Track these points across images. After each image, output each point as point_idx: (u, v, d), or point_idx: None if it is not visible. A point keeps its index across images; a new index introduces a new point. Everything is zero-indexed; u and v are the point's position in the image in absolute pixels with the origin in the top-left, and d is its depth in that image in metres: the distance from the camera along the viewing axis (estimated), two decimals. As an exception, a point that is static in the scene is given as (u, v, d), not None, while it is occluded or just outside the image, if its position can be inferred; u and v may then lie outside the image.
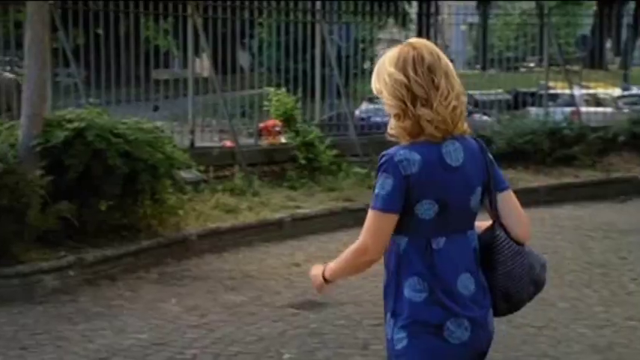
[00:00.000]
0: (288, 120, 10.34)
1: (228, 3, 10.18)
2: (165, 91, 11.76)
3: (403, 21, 16.87)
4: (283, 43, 12.01)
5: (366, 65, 14.04)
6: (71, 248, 7.27)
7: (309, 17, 11.14)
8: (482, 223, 2.62)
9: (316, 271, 2.68)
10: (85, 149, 7.31)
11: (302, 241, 8.87)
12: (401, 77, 2.45)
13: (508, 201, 2.60)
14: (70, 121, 7.39)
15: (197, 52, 10.63)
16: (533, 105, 14.43)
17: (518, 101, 14.74)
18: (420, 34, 14.85)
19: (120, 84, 9.92)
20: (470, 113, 12.82)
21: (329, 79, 12.02)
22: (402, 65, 2.47)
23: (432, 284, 2.47)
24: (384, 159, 2.47)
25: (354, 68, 12.44)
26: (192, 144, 10.02)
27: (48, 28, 7.26)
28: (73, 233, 7.43)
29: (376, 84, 2.55)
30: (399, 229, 2.49)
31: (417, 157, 2.45)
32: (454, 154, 2.50)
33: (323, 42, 11.21)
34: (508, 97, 15.00)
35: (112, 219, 7.80)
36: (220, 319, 6.20)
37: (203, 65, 13.07)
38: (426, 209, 2.47)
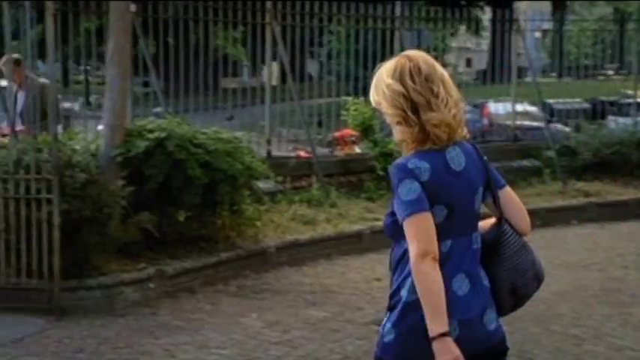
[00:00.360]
0: (365, 130, 10.18)
1: (307, 10, 10.06)
2: (234, 100, 11.73)
3: (476, 27, 16.54)
4: (354, 51, 11.86)
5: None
6: (150, 260, 7.25)
7: (387, 24, 10.95)
8: (486, 222, 2.72)
9: (447, 352, 2.48)
10: (166, 159, 7.28)
11: (382, 255, 8.65)
12: (399, 87, 2.56)
13: (509, 197, 2.74)
14: (150, 131, 7.37)
15: (264, 60, 10.56)
16: (614, 114, 13.98)
17: (597, 110, 14.29)
18: (494, 41, 14.58)
19: (189, 93, 9.90)
20: (548, 122, 12.47)
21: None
22: (399, 76, 2.58)
23: None
24: (397, 168, 2.56)
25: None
26: (269, 154, 9.93)
27: (130, 38, 7.25)
28: (152, 244, 7.41)
29: (375, 96, 2.65)
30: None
31: (426, 165, 2.56)
32: (456, 159, 2.63)
33: (402, 49, 11.03)
34: (587, 105, 14.57)
35: (190, 230, 7.76)
36: (303, 335, 6.07)
37: (272, 73, 13.01)
38: (437, 214, 2.56)
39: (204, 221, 7.79)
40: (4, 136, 8.15)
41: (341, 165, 10.26)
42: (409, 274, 2.54)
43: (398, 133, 2.62)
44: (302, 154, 10.49)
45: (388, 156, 9.57)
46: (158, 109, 9.71)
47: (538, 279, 2.76)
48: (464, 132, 2.67)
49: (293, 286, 7.52)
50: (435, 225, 2.53)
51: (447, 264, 2.57)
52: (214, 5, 9.39)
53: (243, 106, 11.17)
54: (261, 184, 8.39)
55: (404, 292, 2.58)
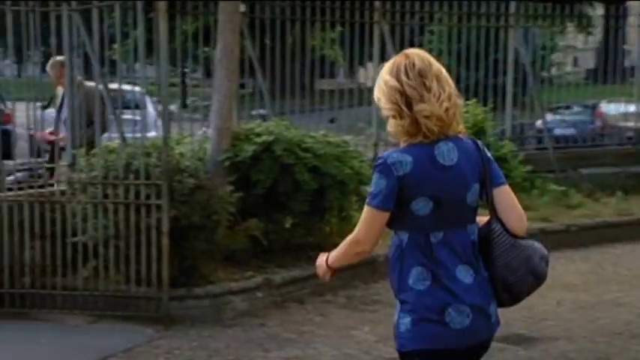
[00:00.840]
0: (477, 132, 9.80)
1: (416, 9, 9.79)
2: (331, 102, 11.54)
3: (587, 24, 15.96)
4: (456, 51, 11.49)
5: (545, 74, 13.28)
6: (258, 268, 7.11)
7: (494, 21, 10.56)
8: (483, 217, 2.83)
9: (320, 259, 3.00)
10: (273, 164, 7.13)
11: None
12: (394, 83, 2.75)
13: (504, 196, 2.82)
14: (258, 134, 7.23)
15: (362, 61, 10.33)
16: None
17: None
18: (607, 38, 14.02)
19: (285, 94, 9.76)
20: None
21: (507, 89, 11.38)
22: (395, 72, 2.76)
23: (436, 272, 2.73)
24: (379, 161, 2.75)
25: (533, 77, 11.71)
26: (374, 158, 9.68)
27: (238, 39, 7.12)
28: (259, 252, 7.28)
29: (376, 93, 2.83)
30: (400, 226, 2.79)
31: (409, 158, 2.72)
32: (447, 154, 2.75)
33: (512, 48, 10.64)
34: None
35: (297, 237, 7.59)
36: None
37: (367, 75, 12.76)
38: (422, 206, 2.73)
39: (311, 228, 7.60)
40: (49, 142, 8.03)
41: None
42: (411, 264, 2.75)
43: (391, 125, 2.80)
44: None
45: (502, 160, 9.18)
46: (259, 111, 9.60)
47: (535, 275, 2.83)
48: (459, 127, 2.80)
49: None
50: (421, 217, 2.73)
51: (444, 254, 2.74)
52: (322, 5, 9.24)
53: (340, 108, 10.97)
54: (369, 189, 8.12)
55: (410, 282, 2.77)
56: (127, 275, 6.32)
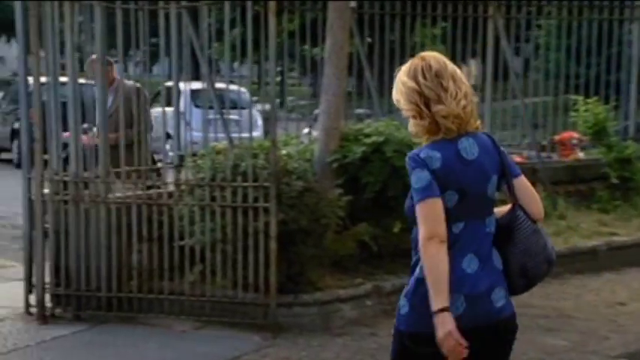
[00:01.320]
0: (598, 132, 9.38)
1: (534, 2, 9.43)
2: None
3: None
4: (566, 46, 11.03)
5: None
6: (366, 274, 6.95)
7: (622, 14, 10.08)
8: (502, 208, 3.08)
9: (444, 325, 2.90)
10: (383, 166, 6.95)
11: (621, 275, 7.94)
12: (412, 84, 2.97)
13: (523, 185, 3.08)
14: (367, 135, 7.05)
15: (464, 58, 10.01)
16: None
17: None
18: None
19: (384, 93, 9.54)
20: None
21: (625, 85, 10.85)
22: (412, 74, 2.98)
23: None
24: (411, 159, 2.97)
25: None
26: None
27: (348, 36, 6.97)
28: (367, 258, 7.11)
29: (395, 95, 3.05)
30: None
31: (437, 154, 2.94)
32: (469, 149, 2.99)
33: (637, 42, 10.13)
34: None
35: (406, 243, 7.35)
36: (543, 366, 5.53)
37: (470, 72, 12.41)
38: (448, 199, 2.93)
39: (420, 233, 7.37)
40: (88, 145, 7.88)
41: (568, 172, 9.49)
42: None
43: (412, 125, 3.05)
44: (517, 158, 9.84)
45: (625, 162, 8.76)
46: (359, 111, 9.42)
47: (549, 262, 3.09)
48: (476, 123, 3.05)
49: (522, 309, 6.78)
50: (447, 209, 2.94)
51: (459, 244, 2.97)
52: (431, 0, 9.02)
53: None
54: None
55: (417, 270, 3.04)
56: (233, 280, 6.25)
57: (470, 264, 2.99)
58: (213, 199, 6.27)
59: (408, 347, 3.06)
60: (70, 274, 6.49)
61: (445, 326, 2.88)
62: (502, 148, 3.09)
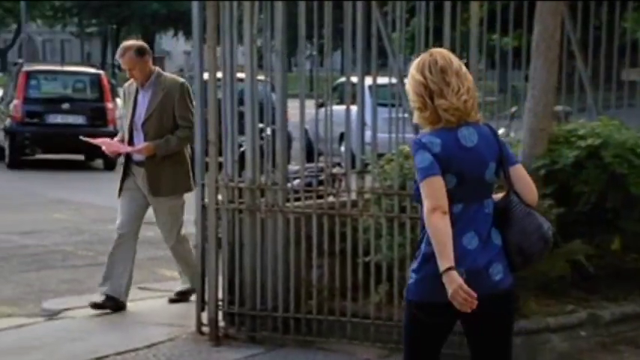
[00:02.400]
0: None
1: None
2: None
3: None
4: None
5: None
6: (579, 300, 6.40)
7: None
8: (498, 194, 3.74)
9: (452, 282, 3.49)
10: (600, 173, 6.36)
11: None
12: (420, 78, 3.61)
13: (519, 173, 3.73)
14: (581, 137, 6.46)
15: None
16: None
17: None
18: None
19: (583, 87, 8.77)
20: None
21: None
22: (421, 68, 3.62)
23: None
24: (415, 143, 3.64)
25: None
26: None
27: (560, 22, 6.39)
28: (579, 280, 6.50)
29: (407, 87, 3.71)
30: None
31: (437, 140, 3.59)
32: (468, 137, 3.62)
33: None
34: None
35: (628, 263, 6.71)
36: None
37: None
38: (448, 182, 3.58)
39: (645, 253, 6.70)
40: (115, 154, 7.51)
41: None
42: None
43: (417, 117, 3.66)
44: None
45: None
46: (557, 108, 8.74)
47: (545, 240, 3.69)
48: (477, 116, 3.66)
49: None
50: (447, 190, 3.54)
51: (459, 223, 3.56)
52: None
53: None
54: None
55: (423, 245, 3.65)
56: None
57: (470, 241, 3.62)
58: (402, 209, 5.98)
59: (416, 317, 3.70)
60: (245, 291, 6.33)
61: (454, 283, 3.47)
62: (502, 139, 3.75)
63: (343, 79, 7.10)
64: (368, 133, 6.45)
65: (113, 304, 7.02)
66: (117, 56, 7.17)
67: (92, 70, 19.55)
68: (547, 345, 5.93)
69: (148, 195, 7.01)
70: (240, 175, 6.38)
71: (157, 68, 7.14)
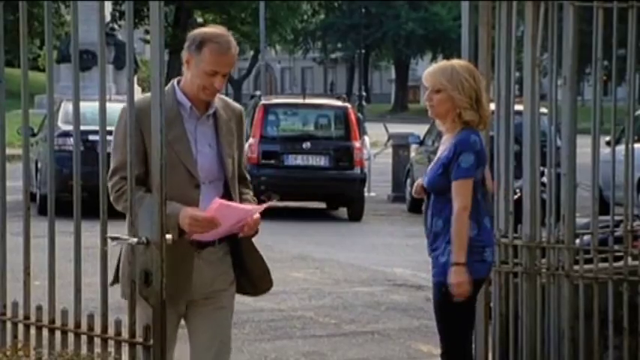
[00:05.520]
0: None
1: None
2: None
3: None
4: None
5: None
6: None
7: None
8: None
9: (461, 275, 5.04)
10: None
11: None
12: (474, 84, 5.08)
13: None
14: None
15: None
16: None
17: None
18: None
19: None
20: None
21: None
22: (473, 77, 5.12)
23: (480, 221, 5.15)
24: (463, 142, 5.05)
25: None
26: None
27: None
28: None
29: (444, 82, 5.09)
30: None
31: (478, 139, 5.12)
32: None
33: None
34: None
35: None
36: None
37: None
38: (480, 173, 5.13)
39: None
40: None
41: None
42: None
43: (467, 115, 5.08)
44: None
45: None
46: None
47: None
48: None
49: None
50: (476, 181, 5.09)
51: (482, 206, 5.14)
52: None
53: None
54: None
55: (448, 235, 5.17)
56: None
57: (488, 223, 5.21)
58: None
59: (447, 296, 5.02)
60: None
61: (461, 276, 4.94)
62: None
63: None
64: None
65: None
66: None
67: (338, 103, 19.96)
68: None
69: None
70: (515, 230, 6.38)
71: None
